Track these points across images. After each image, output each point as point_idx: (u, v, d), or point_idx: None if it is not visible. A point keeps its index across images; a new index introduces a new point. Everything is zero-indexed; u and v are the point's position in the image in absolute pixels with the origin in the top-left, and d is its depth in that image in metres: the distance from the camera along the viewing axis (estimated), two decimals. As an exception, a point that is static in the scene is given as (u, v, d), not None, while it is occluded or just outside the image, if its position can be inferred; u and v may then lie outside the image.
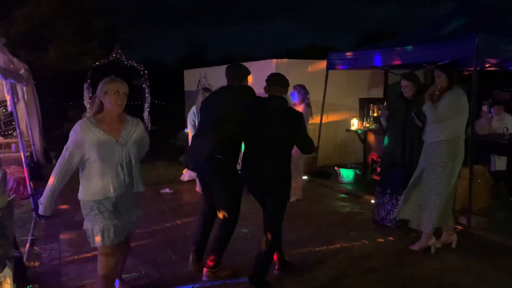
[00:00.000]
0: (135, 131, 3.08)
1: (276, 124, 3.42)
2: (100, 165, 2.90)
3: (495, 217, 5.31)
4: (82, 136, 2.89)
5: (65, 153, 2.95)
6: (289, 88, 3.74)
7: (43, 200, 2.98)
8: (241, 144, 3.82)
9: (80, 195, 3.04)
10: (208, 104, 3.97)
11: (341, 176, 7.26)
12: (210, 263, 3.72)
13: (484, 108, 7.27)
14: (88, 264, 4.02)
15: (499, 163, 6.59)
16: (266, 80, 3.70)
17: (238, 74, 3.97)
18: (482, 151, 6.25)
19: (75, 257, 4.20)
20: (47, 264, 4.03)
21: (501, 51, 5.12)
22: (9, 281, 2.31)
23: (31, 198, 5.48)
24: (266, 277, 3.56)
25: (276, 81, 3.66)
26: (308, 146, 3.59)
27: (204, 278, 3.70)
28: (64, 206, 5.94)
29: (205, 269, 3.72)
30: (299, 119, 3.51)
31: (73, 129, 2.94)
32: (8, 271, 2.27)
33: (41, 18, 14.24)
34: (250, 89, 3.92)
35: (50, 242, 4.60)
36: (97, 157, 2.87)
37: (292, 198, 6.12)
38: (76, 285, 3.63)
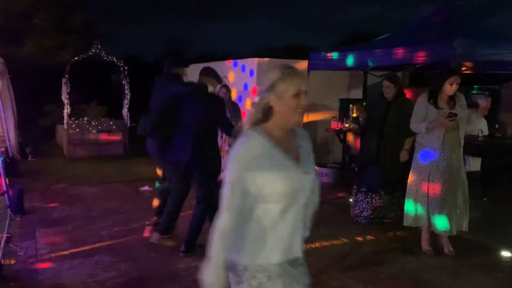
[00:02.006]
0: (309, 149, 2.03)
1: (205, 107, 4.05)
2: (279, 208, 1.77)
3: (469, 217, 5.44)
4: (258, 160, 1.74)
5: (231, 196, 1.73)
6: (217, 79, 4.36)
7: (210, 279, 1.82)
8: (175, 126, 4.17)
9: (238, 258, 1.80)
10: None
11: (320, 174, 7.33)
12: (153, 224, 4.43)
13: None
14: (65, 262, 3.97)
15: (473, 163, 6.77)
16: (200, 72, 4.31)
17: (168, 63, 4.50)
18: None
19: (52, 255, 4.13)
20: (23, 262, 3.96)
21: (477, 55, 5.25)
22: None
23: (6, 195, 5.35)
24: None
25: (205, 73, 4.29)
26: (229, 128, 4.23)
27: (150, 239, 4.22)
28: (40, 203, 5.83)
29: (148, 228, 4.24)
30: (221, 103, 4.29)
31: (237, 149, 1.80)
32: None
33: (17, 11, 13.87)
34: (172, 77, 4.43)
35: (26, 239, 4.51)
36: (280, 195, 1.76)
37: None
38: (53, 284, 3.57)
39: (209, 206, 4.03)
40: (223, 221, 1.74)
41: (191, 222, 4.20)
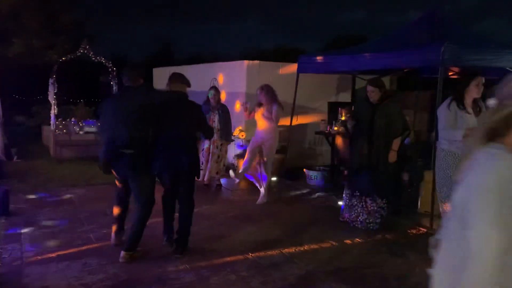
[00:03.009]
0: None
1: (183, 114, 4.11)
2: None
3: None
4: None
5: (496, 237, 1.33)
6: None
7: None
8: (149, 137, 4.09)
9: None
10: (111, 107, 4.17)
11: (309, 177, 7.36)
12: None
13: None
14: (51, 265, 3.91)
15: (460, 167, 6.85)
16: (169, 78, 4.32)
17: (133, 74, 4.29)
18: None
19: (38, 257, 4.07)
20: (8, 265, 3.89)
21: (464, 60, 5.33)
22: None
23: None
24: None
25: (175, 79, 4.31)
26: (209, 132, 4.47)
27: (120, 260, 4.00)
28: (26, 205, 5.75)
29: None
30: (199, 109, 4.34)
31: (483, 175, 1.40)
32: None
33: (5, 10, 13.69)
34: (146, 88, 4.53)
35: (11, 242, 4.44)
36: None
37: (259, 201, 6.16)
38: (39, 286, 3.52)
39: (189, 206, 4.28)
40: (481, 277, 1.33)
41: (180, 224, 4.30)
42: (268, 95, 5.96)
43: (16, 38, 13.80)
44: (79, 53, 9.39)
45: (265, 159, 6.13)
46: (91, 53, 9.43)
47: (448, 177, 4.08)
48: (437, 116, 4.48)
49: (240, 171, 6.32)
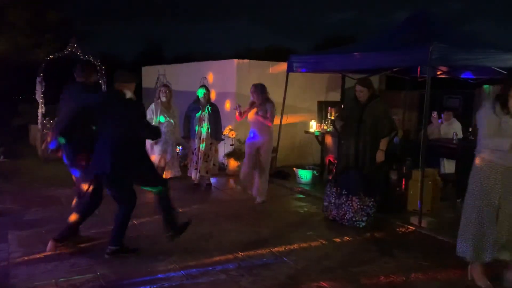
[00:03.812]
0: None
1: (115, 115, 3.95)
2: None
3: (444, 218, 5.57)
4: None
5: None
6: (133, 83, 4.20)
7: None
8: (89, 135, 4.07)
9: None
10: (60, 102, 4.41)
11: (299, 177, 7.38)
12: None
13: (434, 114, 7.62)
14: (39, 265, 3.87)
15: (448, 166, 6.92)
16: (114, 79, 4.14)
17: (86, 70, 4.38)
18: (432, 155, 6.55)
19: (26, 258, 4.03)
20: (-5, 266, 3.85)
21: (451, 60, 5.39)
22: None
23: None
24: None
25: (120, 79, 4.11)
26: (151, 132, 4.24)
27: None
28: (13, 205, 5.68)
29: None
30: (135, 109, 4.08)
31: None
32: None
33: (-9, 7, 13.50)
34: (86, 87, 4.34)
35: (-2, 242, 4.39)
36: None
37: (258, 200, 6.15)
38: (26, 287, 3.48)
39: (128, 207, 4.14)
40: None
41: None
42: (262, 94, 5.92)
43: (1, 36, 13.61)
44: (67, 52, 9.30)
45: (261, 160, 6.06)
46: (79, 51, 9.34)
47: (484, 191, 3.63)
48: (477, 120, 3.94)
49: (241, 179, 6.20)
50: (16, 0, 13.80)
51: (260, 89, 5.93)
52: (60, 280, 3.61)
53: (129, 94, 4.06)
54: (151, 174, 4.27)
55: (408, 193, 5.85)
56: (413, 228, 5.20)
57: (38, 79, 9.10)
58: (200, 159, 6.85)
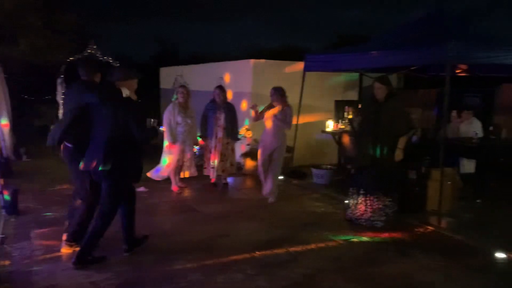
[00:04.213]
0: None
1: (114, 113, 3.87)
2: None
3: (463, 218, 5.50)
4: None
5: None
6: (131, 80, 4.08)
7: None
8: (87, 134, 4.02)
9: None
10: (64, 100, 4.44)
11: (316, 176, 7.35)
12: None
13: (453, 113, 7.51)
14: (60, 263, 3.95)
15: (468, 166, 6.81)
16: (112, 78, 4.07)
17: (89, 68, 4.34)
18: (451, 154, 6.46)
19: (47, 255, 4.12)
20: (18, 263, 3.94)
21: (471, 57, 5.31)
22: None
23: (0, 195, 5.32)
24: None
25: (119, 76, 4.04)
26: (142, 133, 3.92)
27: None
28: (34, 204, 5.81)
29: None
30: (132, 107, 3.95)
31: None
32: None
33: (10, 9, 13.79)
34: (88, 85, 4.26)
35: (20, 240, 4.49)
36: None
37: (270, 200, 6.17)
38: (48, 285, 3.55)
39: (107, 217, 3.98)
40: None
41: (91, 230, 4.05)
42: (282, 97, 5.96)
43: (21, 38, 13.90)
44: (87, 53, 9.44)
45: (274, 162, 6.07)
46: (99, 53, 9.48)
47: None
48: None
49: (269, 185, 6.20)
50: (34, 2, 14.09)
51: (280, 93, 5.96)
52: (80, 277, 3.68)
53: (126, 92, 3.96)
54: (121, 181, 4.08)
55: (427, 193, 5.78)
56: (432, 228, 5.14)
57: (59, 80, 9.26)
58: (217, 159, 6.89)
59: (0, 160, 7.13)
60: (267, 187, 6.16)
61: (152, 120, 4.24)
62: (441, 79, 5.45)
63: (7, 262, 3.91)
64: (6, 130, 8.13)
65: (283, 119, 5.91)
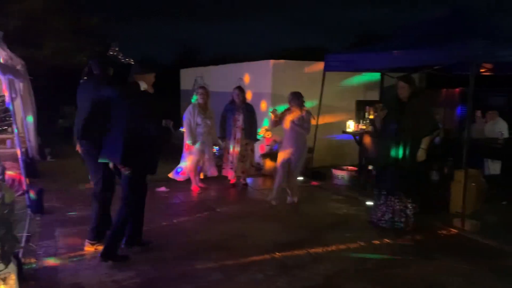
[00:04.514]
0: None
1: (131, 107, 3.92)
2: None
3: (488, 221, 5.37)
4: None
5: None
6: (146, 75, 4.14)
7: None
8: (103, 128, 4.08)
9: None
10: (77, 96, 4.48)
11: (336, 177, 7.30)
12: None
13: (478, 113, 7.36)
14: (84, 261, 4.02)
15: (493, 167, 6.66)
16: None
17: (102, 63, 4.45)
18: (476, 155, 6.32)
19: (71, 254, 4.19)
20: (43, 261, 4.02)
21: (496, 56, 5.18)
22: (13, 277, 2.31)
23: (26, 194, 5.46)
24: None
25: (134, 70, 4.18)
26: (156, 128, 4.04)
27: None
28: (59, 203, 5.93)
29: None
30: (147, 102, 4.04)
31: None
32: (12, 267, 2.27)
33: (36, 13, 14.13)
34: (100, 80, 4.31)
35: (45, 238, 4.59)
36: None
37: (289, 200, 6.15)
38: (72, 282, 3.62)
39: (128, 209, 4.05)
40: None
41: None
42: (300, 103, 5.94)
43: (46, 40, 14.21)
44: (109, 55, 9.57)
45: (292, 165, 6.03)
46: (120, 54, 9.61)
47: None
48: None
49: (275, 189, 6.11)
50: (58, 6, 14.39)
51: (298, 98, 5.94)
52: (103, 276, 3.74)
53: (143, 86, 4.02)
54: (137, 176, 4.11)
55: (450, 195, 5.67)
56: (456, 231, 5.04)
57: (82, 81, 9.42)
58: (236, 159, 6.92)
59: (26, 160, 7.29)
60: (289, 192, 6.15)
61: (166, 121, 4.31)
62: (465, 78, 5.34)
63: (33, 260, 4.00)
64: (32, 131, 8.32)
65: (301, 125, 5.88)
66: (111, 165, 4.09)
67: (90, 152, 4.26)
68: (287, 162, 6.01)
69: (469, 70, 5.10)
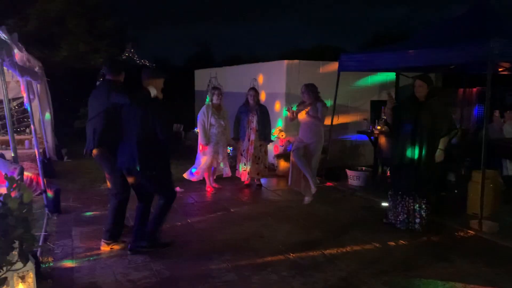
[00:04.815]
0: None
1: (142, 113, 4.00)
2: None
3: (506, 222, 5.27)
4: None
5: None
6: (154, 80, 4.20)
7: None
8: (116, 134, 4.17)
9: None
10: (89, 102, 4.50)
11: (351, 178, 7.25)
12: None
13: (496, 113, 7.24)
14: (100, 261, 4.07)
15: (511, 167, 6.55)
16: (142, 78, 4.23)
17: (114, 68, 4.44)
18: (493, 156, 6.22)
19: (88, 253, 4.25)
20: (60, 260, 4.08)
21: (515, 55, 5.08)
22: (31, 275, 2.34)
23: (44, 194, 5.54)
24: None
25: (145, 75, 4.23)
26: (165, 134, 4.04)
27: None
28: (75, 203, 6.01)
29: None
30: (157, 107, 4.08)
31: None
32: (30, 265, 2.30)
33: (53, 16, 14.36)
34: (111, 86, 4.31)
35: (62, 238, 4.66)
36: None
37: (306, 200, 6.13)
38: (88, 281, 3.66)
39: (166, 200, 4.24)
40: None
41: (135, 223, 4.32)
42: (313, 94, 5.93)
43: (63, 43, 14.42)
44: (125, 57, 9.70)
45: (309, 159, 6.02)
46: (136, 56, 9.72)
47: None
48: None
49: (291, 185, 6.21)
50: (74, 8, 14.61)
51: (310, 89, 5.93)
52: (119, 275, 3.77)
53: (153, 92, 4.06)
54: (164, 182, 4.28)
55: (467, 196, 5.59)
56: (473, 232, 4.96)
57: (98, 83, 9.54)
58: (250, 161, 6.92)
59: (43, 160, 7.41)
60: (302, 186, 6.10)
61: (176, 125, 4.34)
62: (482, 78, 5.26)
63: (50, 259, 4.06)
64: (49, 131, 8.46)
65: (315, 115, 5.87)
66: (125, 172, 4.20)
67: (104, 156, 4.31)
68: (302, 151, 5.95)
69: (486, 69, 5.02)
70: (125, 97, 4.08)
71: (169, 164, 4.27)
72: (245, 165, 6.96)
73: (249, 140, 6.88)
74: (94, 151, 4.34)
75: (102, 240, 4.36)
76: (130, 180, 4.20)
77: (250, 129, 6.85)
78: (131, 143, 4.04)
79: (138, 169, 4.02)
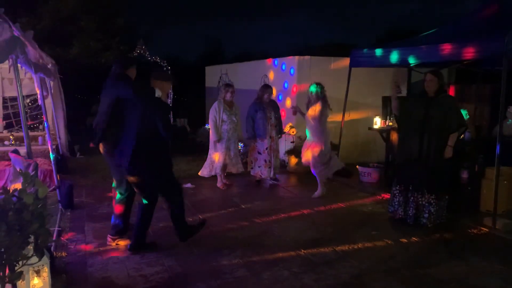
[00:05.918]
0: None
1: (145, 110, 3.98)
2: None
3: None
4: None
5: None
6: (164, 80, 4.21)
7: None
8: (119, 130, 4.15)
9: None
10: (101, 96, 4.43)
11: (362, 174, 7.21)
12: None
13: (510, 109, 7.11)
14: (112, 256, 4.11)
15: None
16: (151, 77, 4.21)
17: (125, 62, 4.42)
18: (508, 153, 6.12)
19: (101, 248, 4.29)
20: (73, 255, 4.13)
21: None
22: (46, 270, 2.38)
23: (57, 190, 5.61)
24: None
25: (155, 77, 4.20)
26: (168, 133, 4.06)
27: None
28: (88, 199, 6.08)
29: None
30: (162, 106, 4.10)
31: None
32: (45, 260, 2.34)
33: (65, 13, 14.48)
34: (119, 82, 4.24)
35: (76, 233, 4.71)
36: None
37: (315, 194, 6.16)
38: (101, 276, 3.71)
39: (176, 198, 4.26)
40: None
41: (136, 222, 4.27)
42: (319, 94, 5.95)
43: (75, 40, 14.54)
44: (136, 54, 9.75)
45: (311, 156, 6.11)
46: (147, 53, 9.76)
47: None
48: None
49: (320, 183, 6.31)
50: (86, 6, 14.71)
51: (316, 90, 6.01)
52: (131, 270, 3.81)
53: (158, 93, 4.06)
54: (168, 182, 4.26)
55: (481, 193, 5.52)
56: (487, 230, 4.90)
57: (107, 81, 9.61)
58: (273, 157, 6.95)
59: (56, 157, 7.50)
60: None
61: (180, 120, 4.35)
62: (497, 74, 5.17)
63: (64, 254, 4.11)
64: (62, 128, 8.54)
65: (313, 115, 5.99)
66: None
67: (110, 152, 4.32)
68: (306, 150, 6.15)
69: (501, 65, 4.94)
70: (130, 89, 4.07)
71: (169, 163, 4.24)
72: (269, 162, 6.92)
73: (270, 137, 6.89)
74: (101, 146, 4.38)
75: (108, 235, 4.40)
76: (130, 179, 4.16)
77: (270, 125, 6.84)
78: (128, 140, 4.03)
79: (127, 167, 4.01)
